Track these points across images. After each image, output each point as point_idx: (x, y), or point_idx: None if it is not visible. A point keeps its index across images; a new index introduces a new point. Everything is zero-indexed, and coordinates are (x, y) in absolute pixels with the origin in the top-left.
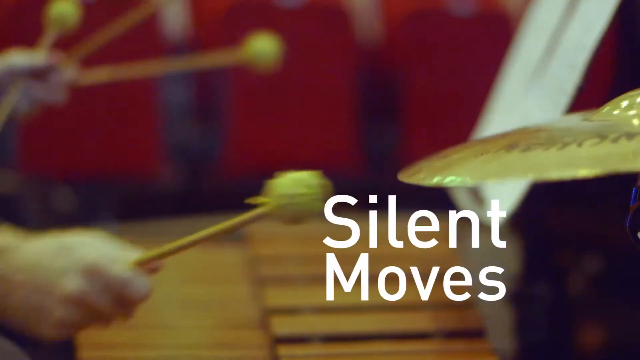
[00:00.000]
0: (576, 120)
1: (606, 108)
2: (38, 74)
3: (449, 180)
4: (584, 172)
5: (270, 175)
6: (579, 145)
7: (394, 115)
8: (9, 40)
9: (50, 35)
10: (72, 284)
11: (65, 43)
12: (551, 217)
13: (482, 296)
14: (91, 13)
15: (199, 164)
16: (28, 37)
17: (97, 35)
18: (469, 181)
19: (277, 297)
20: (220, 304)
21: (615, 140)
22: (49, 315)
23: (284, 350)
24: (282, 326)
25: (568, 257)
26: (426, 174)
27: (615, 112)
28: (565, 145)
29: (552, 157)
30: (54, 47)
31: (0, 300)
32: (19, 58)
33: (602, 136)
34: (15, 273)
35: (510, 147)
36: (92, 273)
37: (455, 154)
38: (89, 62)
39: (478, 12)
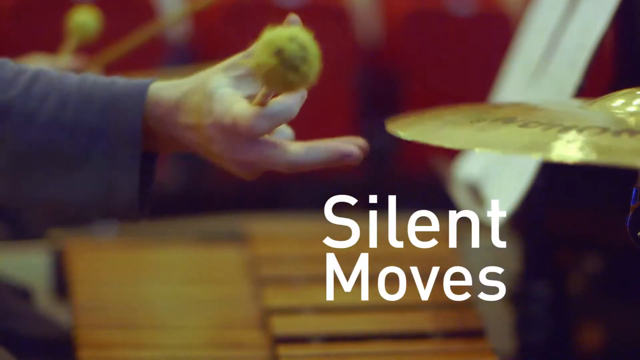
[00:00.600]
0: (573, 105)
1: (605, 99)
2: None
3: (439, 142)
4: (581, 158)
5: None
6: (580, 131)
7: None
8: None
9: (72, 42)
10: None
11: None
12: (551, 217)
13: (482, 296)
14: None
15: (199, 164)
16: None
17: (120, 44)
18: (458, 146)
19: (277, 297)
20: (220, 304)
21: (617, 135)
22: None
23: (283, 350)
24: (282, 326)
25: (568, 256)
26: (413, 130)
27: (614, 104)
28: (565, 129)
29: (551, 138)
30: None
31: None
32: (42, 62)
33: (604, 128)
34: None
35: (507, 120)
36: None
37: (450, 115)
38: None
39: (478, 12)
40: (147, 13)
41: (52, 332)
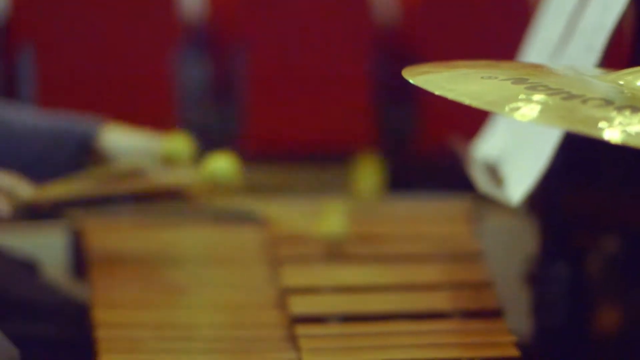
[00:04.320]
0: (592, 74)
1: (624, 73)
2: None
3: (445, 93)
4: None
5: (285, 156)
6: (584, 102)
7: (411, 96)
8: None
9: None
10: None
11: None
12: (569, 198)
13: (500, 277)
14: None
15: (215, 144)
16: None
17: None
18: (465, 101)
19: (295, 277)
20: (238, 284)
21: (619, 110)
22: None
23: (302, 330)
24: (300, 306)
25: (586, 238)
26: (421, 78)
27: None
28: (570, 97)
29: (553, 105)
30: None
31: None
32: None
33: (608, 101)
34: None
35: (517, 81)
36: None
37: (463, 68)
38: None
39: None
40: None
41: (61, 301)
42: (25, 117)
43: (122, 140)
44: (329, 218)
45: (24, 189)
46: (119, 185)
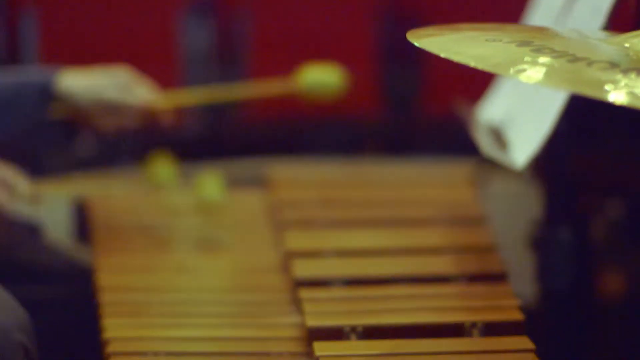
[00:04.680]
0: (597, 37)
1: (630, 35)
2: None
3: (450, 55)
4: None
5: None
6: (589, 65)
7: (416, 59)
8: None
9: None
10: None
11: None
12: (574, 162)
13: (504, 241)
14: None
15: (219, 108)
16: None
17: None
18: (471, 63)
19: (299, 240)
20: (242, 248)
21: (625, 72)
22: None
23: (305, 293)
24: (304, 269)
25: (590, 202)
26: (431, 42)
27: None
28: (575, 60)
29: (558, 67)
30: None
31: None
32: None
33: (613, 64)
34: None
35: (522, 44)
36: None
37: (469, 30)
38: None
39: None
40: None
41: (64, 265)
42: None
43: (79, 81)
44: (205, 185)
45: (22, 183)
46: None
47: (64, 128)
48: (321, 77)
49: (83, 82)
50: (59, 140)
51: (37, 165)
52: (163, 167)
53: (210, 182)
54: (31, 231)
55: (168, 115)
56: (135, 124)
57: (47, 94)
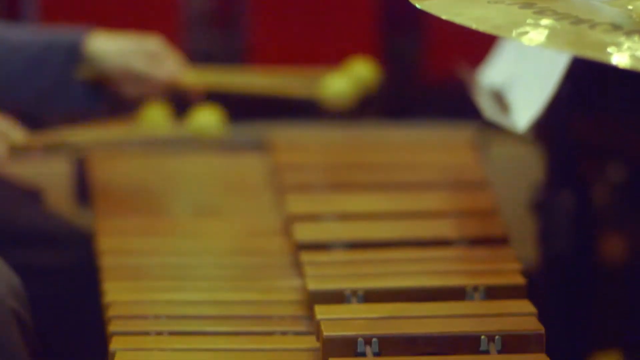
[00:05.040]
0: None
1: None
2: None
3: (452, 17)
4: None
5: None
6: (592, 27)
7: (417, 24)
8: None
9: None
10: None
11: None
12: (576, 126)
13: (506, 204)
14: None
15: (220, 68)
16: None
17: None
18: (472, 25)
19: (300, 204)
20: (243, 211)
21: (628, 35)
22: None
23: (306, 257)
24: (305, 233)
25: (592, 166)
26: (432, 4)
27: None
28: (578, 22)
29: (561, 29)
30: None
31: None
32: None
33: (616, 26)
34: None
35: (524, 6)
36: None
37: None
38: None
39: None
40: None
41: (65, 229)
42: (17, 30)
43: (109, 46)
44: (201, 117)
45: (18, 133)
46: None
47: (88, 90)
48: (346, 87)
49: (112, 47)
50: (82, 102)
51: (35, 117)
52: (158, 113)
53: (206, 114)
54: (33, 196)
55: (193, 92)
56: (158, 95)
57: (75, 54)
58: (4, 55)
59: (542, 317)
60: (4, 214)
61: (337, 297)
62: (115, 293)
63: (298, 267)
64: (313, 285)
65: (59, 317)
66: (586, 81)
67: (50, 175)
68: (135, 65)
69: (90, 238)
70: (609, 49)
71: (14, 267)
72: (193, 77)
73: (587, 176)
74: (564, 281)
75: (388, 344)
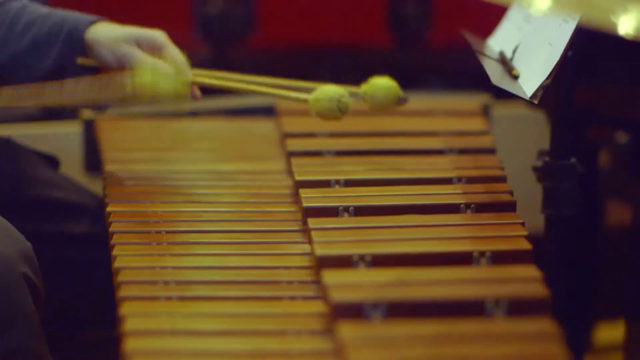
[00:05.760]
0: None
1: None
2: None
3: None
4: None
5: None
6: None
7: None
8: None
9: None
10: None
11: None
12: (582, 93)
13: (512, 171)
14: None
15: (226, 38)
16: None
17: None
18: None
19: (308, 170)
20: (251, 177)
21: (636, 1)
22: None
23: (314, 223)
24: (312, 199)
25: (598, 132)
26: None
27: None
28: None
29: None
30: None
31: None
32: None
33: None
34: None
35: None
36: None
37: None
38: None
39: None
40: None
41: (81, 197)
42: (34, 7)
43: (109, 36)
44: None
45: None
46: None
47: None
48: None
49: (112, 38)
50: None
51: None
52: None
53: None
54: (52, 162)
55: (192, 89)
56: None
57: (75, 42)
58: (16, 33)
59: (547, 281)
60: (24, 180)
61: (344, 262)
62: (125, 258)
63: (306, 233)
64: (321, 251)
65: (73, 282)
66: (593, 48)
67: (61, 141)
68: (133, 56)
69: (102, 205)
70: (616, 16)
71: (28, 232)
72: (193, 75)
73: (592, 143)
74: (569, 247)
75: (395, 308)
